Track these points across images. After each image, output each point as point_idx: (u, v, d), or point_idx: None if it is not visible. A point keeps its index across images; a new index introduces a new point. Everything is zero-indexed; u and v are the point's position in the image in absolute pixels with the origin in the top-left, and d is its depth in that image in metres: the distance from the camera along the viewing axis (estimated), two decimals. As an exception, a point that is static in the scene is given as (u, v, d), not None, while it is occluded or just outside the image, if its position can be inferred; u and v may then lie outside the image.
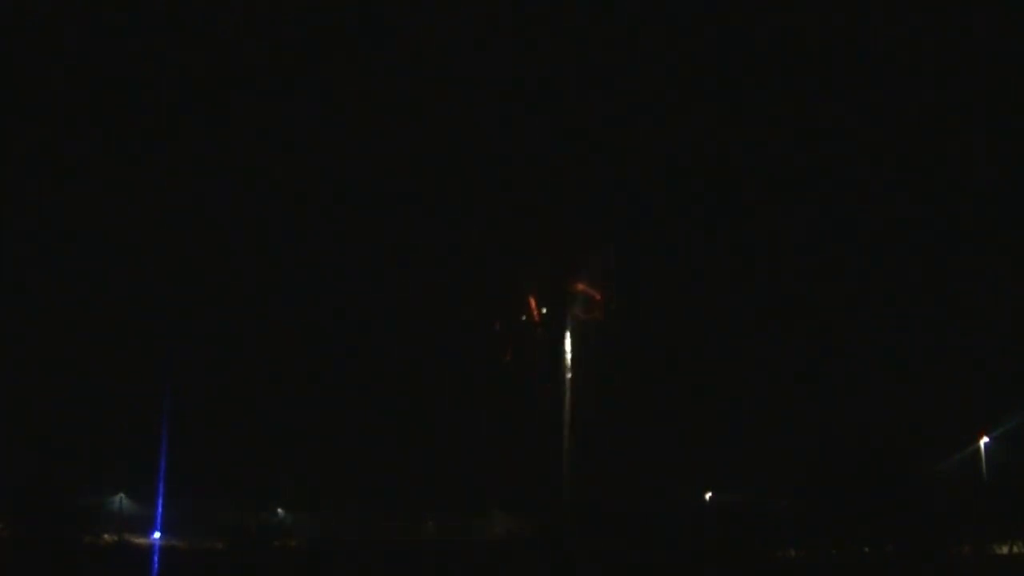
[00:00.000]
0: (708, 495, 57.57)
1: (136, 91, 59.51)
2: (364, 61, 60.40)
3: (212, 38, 60.28)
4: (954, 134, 60.17)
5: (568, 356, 58.18)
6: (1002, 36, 58.75)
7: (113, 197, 58.39)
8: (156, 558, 46.96)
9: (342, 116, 59.45)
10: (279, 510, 56.99)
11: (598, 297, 58.57)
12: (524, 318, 58.80)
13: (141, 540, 52.48)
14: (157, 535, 50.91)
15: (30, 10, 57.65)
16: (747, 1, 62.05)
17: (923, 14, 59.29)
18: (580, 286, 58.66)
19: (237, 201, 58.33)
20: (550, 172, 59.94)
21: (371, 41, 60.21)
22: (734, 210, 61.67)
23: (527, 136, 60.49)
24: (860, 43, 60.70)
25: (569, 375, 57.94)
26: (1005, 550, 48.48)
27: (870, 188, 60.73)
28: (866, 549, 49.61)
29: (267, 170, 59.26)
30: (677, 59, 61.26)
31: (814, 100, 61.59)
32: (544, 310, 58.82)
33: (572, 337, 58.10)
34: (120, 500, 56.80)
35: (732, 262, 61.30)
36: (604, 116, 61.56)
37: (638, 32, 60.89)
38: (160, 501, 48.71)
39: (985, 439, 55.08)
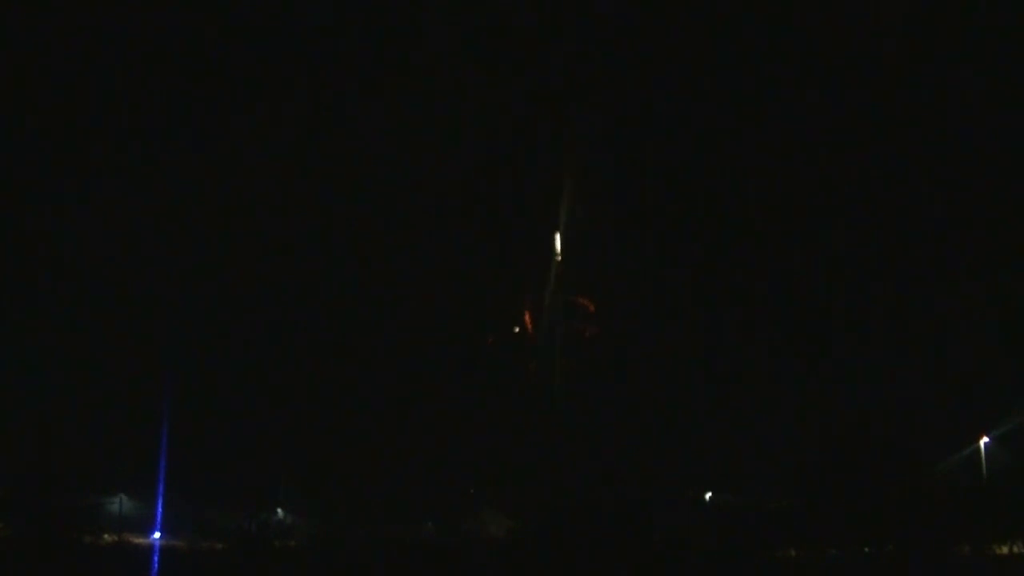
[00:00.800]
0: (708, 495, 57.53)
1: (135, 91, 59.66)
2: (361, 65, 60.30)
3: (209, 38, 60.21)
4: (957, 130, 60.24)
5: (561, 366, 58.14)
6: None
7: (115, 196, 58.35)
8: (156, 558, 46.94)
9: (339, 121, 59.29)
10: (279, 510, 57.00)
11: (592, 309, 58.43)
12: (517, 330, 58.64)
13: (141, 540, 52.52)
14: (157, 535, 50.87)
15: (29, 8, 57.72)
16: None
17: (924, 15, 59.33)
18: (577, 298, 58.52)
19: (237, 205, 58.21)
20: (547, 183, 59.78)
21: (368, 45, 60.22)
22: (730, 207, 61.63)
23: (526, 146, 60.32)
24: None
25: (563, 380, 57.92)
26: (1005, 550, 48.55)
27: (869, 185, 60.68)
28: (866, 549, 49.66)
29: (266, 176, 59.15)
30: (677, 66, 61.11)
31: (805, 98, 61.61)
32: (538, 322, 58.69)
33: (566, 346, 58.02)
34: (120, 500, 56.76)
35: (729, 260, 61.23)
36: (602, 123, 61.07)
37: (641, 40, 60.67)
38: (160, 501, 48.65)
39: (985, 439, 55.11)
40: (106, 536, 52.69)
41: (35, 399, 54.96)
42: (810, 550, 50.60)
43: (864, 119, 61.58)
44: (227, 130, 59.46)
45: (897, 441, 51.50)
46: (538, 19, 61.01)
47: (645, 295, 59.34)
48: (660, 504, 53.76)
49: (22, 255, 57.58)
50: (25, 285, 57.54)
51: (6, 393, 53.76)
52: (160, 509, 48.92)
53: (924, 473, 52.25)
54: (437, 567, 49.70)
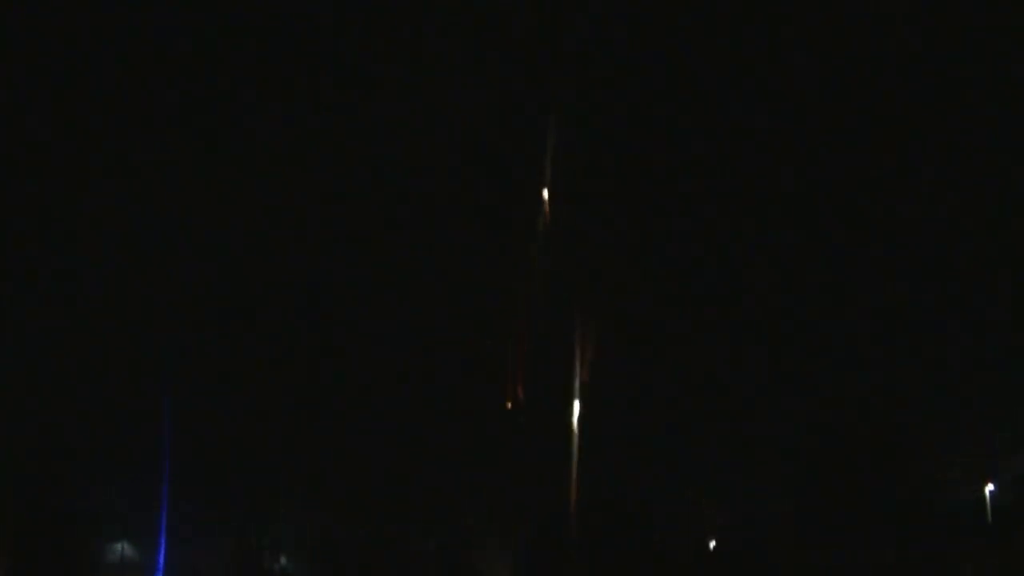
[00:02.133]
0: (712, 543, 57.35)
1: (130, 87, 59.22)
2: (366, 76, 59.62)
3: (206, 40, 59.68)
4: (958, 133, 59.82)
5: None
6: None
7: (118, 202, 58.08)
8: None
9: (341, 138, 58.76)
10: (282, 558, 57.03)
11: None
12: (510, 405, 58.11)
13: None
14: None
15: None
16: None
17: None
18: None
19: (238, 217, 57.80)
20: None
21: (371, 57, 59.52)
22: (727, 216, 61.21)
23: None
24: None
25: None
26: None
27: (873, 200, 60.15)
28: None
29: (270, 193, 58.71)
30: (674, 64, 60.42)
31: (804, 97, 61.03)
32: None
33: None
34: (122, 548, 56.75)
35: (729, 276, 60.89)
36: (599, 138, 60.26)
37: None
38: (162, 549, 48.54)
39: (991, 487, 55.06)
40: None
41: (34, 436, 55.01)
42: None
43: (862, 118, 61.27)
44: (215, 126, 59.18)
45: (901, 467, 51.40)
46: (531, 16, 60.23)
47: (637, 307, 58.98)
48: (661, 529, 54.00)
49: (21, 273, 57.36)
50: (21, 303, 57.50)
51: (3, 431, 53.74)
52: (162, 557, 48.73)
53: (929, 511, 52.20)
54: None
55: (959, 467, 54.57)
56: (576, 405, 57.30)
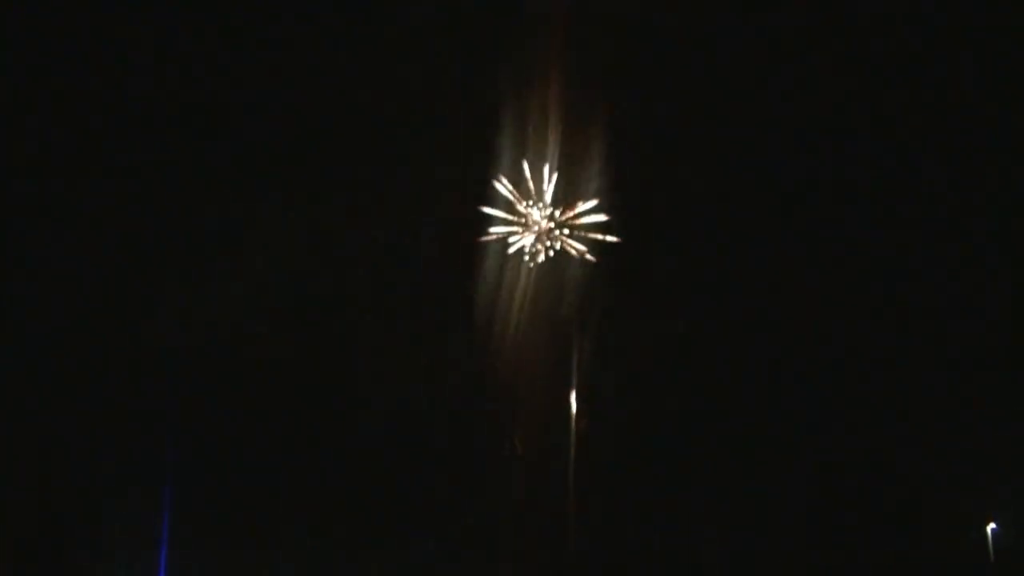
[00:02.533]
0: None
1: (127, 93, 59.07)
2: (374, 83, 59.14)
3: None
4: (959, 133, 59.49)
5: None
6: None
7: (118, 202, 57.95)
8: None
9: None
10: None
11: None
12: (507, 453, 57.65)
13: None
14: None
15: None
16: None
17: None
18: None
19: (240, 219, 57.51)
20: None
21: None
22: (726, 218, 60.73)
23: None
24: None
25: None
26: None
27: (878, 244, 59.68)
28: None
29: (273, 197, 58.43)
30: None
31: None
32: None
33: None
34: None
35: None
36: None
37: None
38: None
39: (992, 526, 54.63)
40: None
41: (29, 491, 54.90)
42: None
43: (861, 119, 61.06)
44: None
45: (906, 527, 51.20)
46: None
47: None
48: None
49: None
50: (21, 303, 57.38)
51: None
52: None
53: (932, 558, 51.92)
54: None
55: (961, 507, 54.09)
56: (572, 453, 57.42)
